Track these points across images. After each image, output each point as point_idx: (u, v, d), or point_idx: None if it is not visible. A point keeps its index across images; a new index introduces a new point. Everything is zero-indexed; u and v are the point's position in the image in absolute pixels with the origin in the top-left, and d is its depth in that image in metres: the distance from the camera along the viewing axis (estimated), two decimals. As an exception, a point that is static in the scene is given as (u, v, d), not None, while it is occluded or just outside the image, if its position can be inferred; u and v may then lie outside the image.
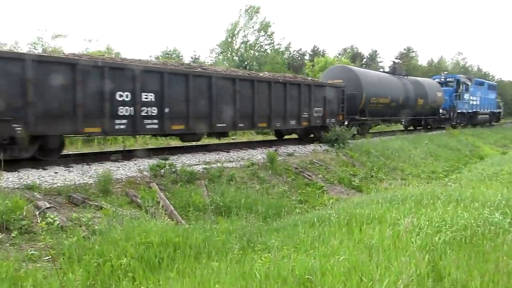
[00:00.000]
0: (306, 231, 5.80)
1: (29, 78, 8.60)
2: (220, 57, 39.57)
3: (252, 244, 5.43)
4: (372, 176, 13.53)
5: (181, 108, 11.45)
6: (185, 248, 5.06)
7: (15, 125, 8.50)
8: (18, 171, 8.80)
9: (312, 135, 17.47)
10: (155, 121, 10.89)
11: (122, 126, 10.21)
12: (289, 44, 42.84)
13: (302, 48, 63.43)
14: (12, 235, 5.64)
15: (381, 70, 33.95)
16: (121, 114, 10.13)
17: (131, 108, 10.30)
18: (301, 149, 15.42)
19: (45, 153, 9.69)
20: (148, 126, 10.77)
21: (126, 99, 10.19)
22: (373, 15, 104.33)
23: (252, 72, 17.79)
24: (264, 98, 13.95)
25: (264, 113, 14.00)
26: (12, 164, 8.82)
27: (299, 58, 53.87)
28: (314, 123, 16.34)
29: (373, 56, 61.73)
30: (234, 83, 12.94)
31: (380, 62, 60.43)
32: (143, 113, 10.56)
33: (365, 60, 60.96)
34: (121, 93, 10.10)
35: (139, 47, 67.37)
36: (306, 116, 15.76)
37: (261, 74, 15.83)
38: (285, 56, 41.69)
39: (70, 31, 66.27)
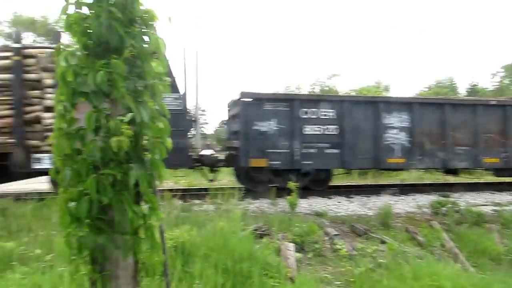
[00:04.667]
0: None
1: None
2: (506, 81, 34.60)
3: None
4: None
5: None
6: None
7: None
8: (308, 198, 9.99)
9: None
10: None
11: None
12: None
13: None
14: (308, 256, 6.38)
15: None
16: None
17: None
18: None
19: None
20: None
21: None
22: None
23: None
24: None
25: None
26: (303, 193, 10.11)
27: None
28: None
29: None
30: None
31: None
32: None
33: None
34: None
35: (408, 78, 66.48)
36: None
37: None
38: None
39: (343, 69, 71.84)
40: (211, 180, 10.98)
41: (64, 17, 2.34)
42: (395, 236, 7.54)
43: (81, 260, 2.35)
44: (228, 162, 11.06)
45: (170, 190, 8.82)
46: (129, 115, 2.22)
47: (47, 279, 4.13)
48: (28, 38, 28.21)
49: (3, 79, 8.84)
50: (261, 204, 9.35)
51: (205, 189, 10.85)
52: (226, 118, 12.85)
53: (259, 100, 10.23)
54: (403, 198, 10.34)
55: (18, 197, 8.48)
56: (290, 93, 24.29)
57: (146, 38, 2.47)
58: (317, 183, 10.78)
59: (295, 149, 10.22)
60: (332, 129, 10.53)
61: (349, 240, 7.34)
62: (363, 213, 8.85)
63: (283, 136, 10.24)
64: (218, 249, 5.05)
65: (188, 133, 10.49)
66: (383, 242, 7.10)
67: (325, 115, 10.55)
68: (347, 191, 10.99)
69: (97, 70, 2.20)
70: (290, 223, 7.19)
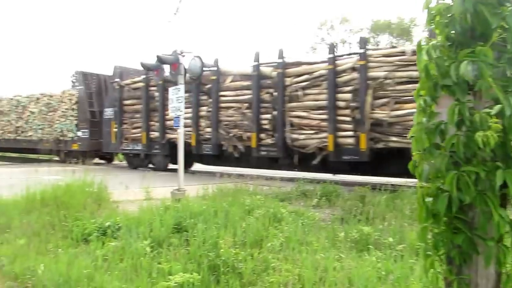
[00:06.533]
0: None
1: None
2: None
3: None
4: None
5: None
6: None
7: None
8: None
9: None
10: None
11: None
12: None
13: None
14: None
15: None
16: None
17: None
18: None
19: None
20: None
21: None
22: None
23: None
24: None
25: None
26: None
27: None
28: None
29: None
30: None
31: None
32: None
33: None
34: None
35: None
36: None
37: None
38: None
39: None
40: None
41: (427, 10, 2.32)
42: None
43: (436, 257, 2.28)
44: None
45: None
46: (497, 107, 1.96)
47: (398, 267, 4.30)
48: (384, 40, 30.55)
49: None
50: None
51: None
52: None
53: None
54: None
55: (374, 187, 9.32)
56: None
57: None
58: None
59: None
60: None
61: None
62: None
63: None
64: None
65: None
66: None
67: None
68: None
69: (460, 61, 2.06)
70: None
